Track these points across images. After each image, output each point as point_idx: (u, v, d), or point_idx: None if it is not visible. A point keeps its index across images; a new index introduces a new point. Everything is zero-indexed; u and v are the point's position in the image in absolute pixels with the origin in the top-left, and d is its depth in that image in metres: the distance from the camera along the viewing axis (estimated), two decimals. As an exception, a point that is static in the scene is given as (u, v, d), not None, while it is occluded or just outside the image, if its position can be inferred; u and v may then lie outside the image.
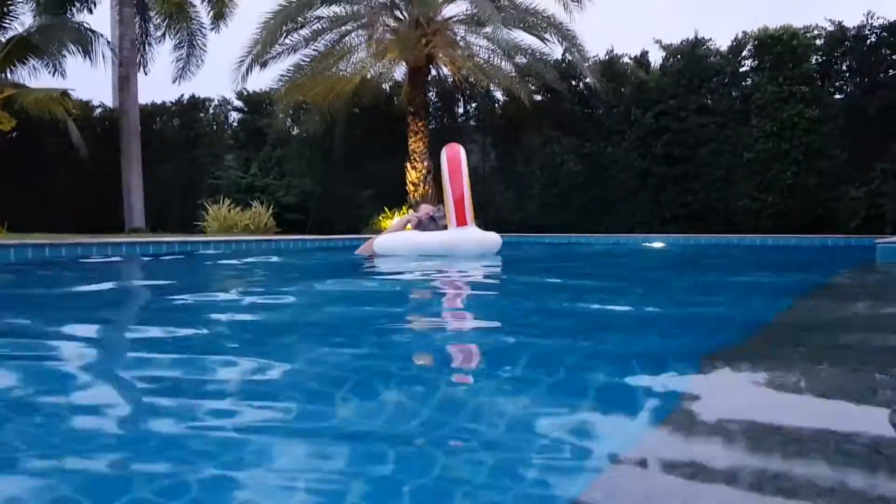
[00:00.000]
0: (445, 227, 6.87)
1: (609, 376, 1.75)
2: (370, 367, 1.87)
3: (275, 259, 7.82)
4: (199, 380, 1.71)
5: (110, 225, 15.15)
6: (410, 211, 11.77)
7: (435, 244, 6.61)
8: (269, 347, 2.16)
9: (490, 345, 2.25)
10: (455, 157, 6.84)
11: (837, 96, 12.04)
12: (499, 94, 14.44)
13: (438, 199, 11.16)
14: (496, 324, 2.76)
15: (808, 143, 11.69)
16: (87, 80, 19.24)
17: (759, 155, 11.94)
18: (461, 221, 6.62)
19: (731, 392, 1.61)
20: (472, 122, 15.36)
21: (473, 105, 15.25)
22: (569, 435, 1.27)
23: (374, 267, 5.94)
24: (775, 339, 2.37)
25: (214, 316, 3.01)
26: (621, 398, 1.52)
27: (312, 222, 14.79)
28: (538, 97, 13.86)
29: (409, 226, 7.28)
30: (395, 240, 6.79)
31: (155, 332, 2.59)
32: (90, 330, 2.60)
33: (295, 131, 16.12)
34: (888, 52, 11.57)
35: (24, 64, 15.77)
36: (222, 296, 3.93)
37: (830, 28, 11.89)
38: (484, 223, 13.10)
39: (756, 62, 12.40)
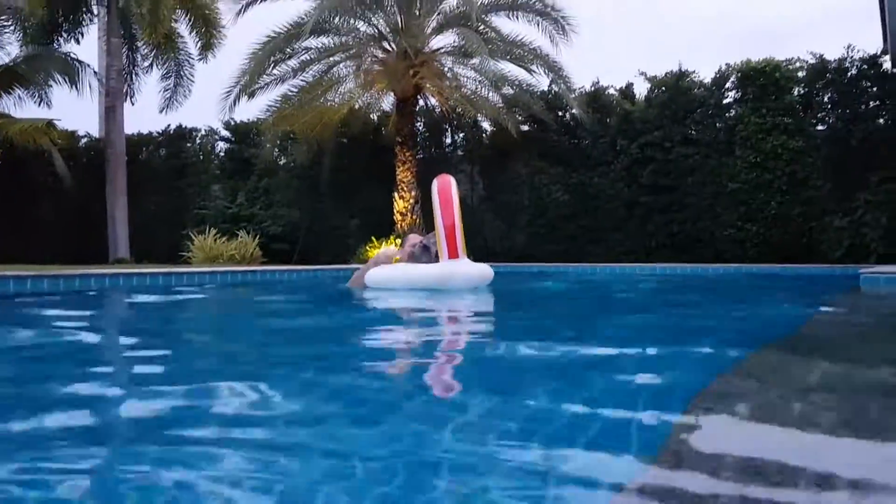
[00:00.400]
0: (422, 252, 6.79)
1: (585, 419, 1.72)
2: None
3: (257, 293, 7.76)
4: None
5: (95, 256, 15.04)
6: (397, 241, 11.77)
7: (427, 278, 6.43)
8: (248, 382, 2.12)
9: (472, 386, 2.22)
10: (445, 188, 6.67)
11: (820, 127, 12.21)
12: (486, 125, 14.55)
13: (427, 228, 11.17)
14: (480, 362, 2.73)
15: (791, 173, 11.84)
16: (74, 110, 19.16)
17: (744, 185, 12.07)
18: (452, 254, 6.45)
19: (714, 431, 1.59)
20: (459, 152, 15.44)
21: (461, 135, 15.35)
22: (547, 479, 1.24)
23: (364, 301, 5.85)
24: (756, 372, 2.36)
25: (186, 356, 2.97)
26: (597, 444, 1.48)
27: (299, 252, 14.74)
28: (525, 127, 13.97)
29: (396, 257, 7.11)
30: (387, 273, 6.60)
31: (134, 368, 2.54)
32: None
33: (282, 161, 16.13)
34: (868, 84, 11.78)
35: (10, 94, 15.77)
36: (194, 336, 3.88)
37: (812, 61, 12.09)
38: (473, 253, 13.24)
39: (739, 94, 12.58)
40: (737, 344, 3.10)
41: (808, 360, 2.65)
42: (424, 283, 6.41)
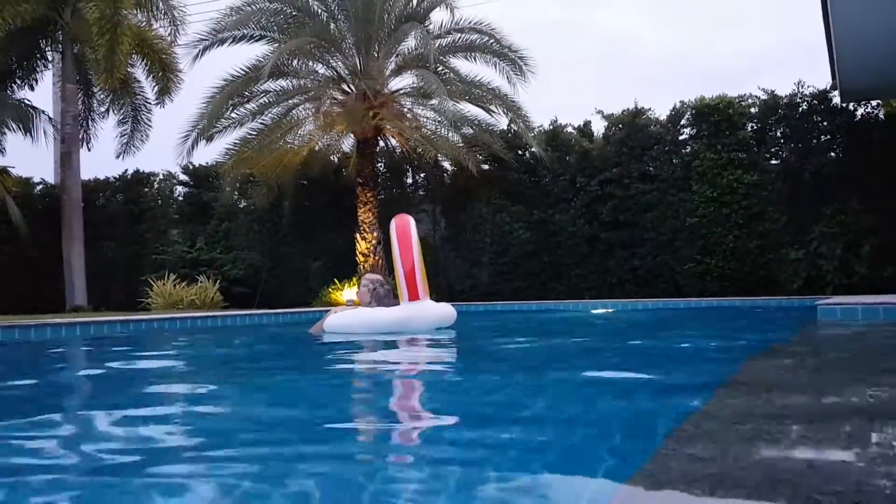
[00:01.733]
0: (384, 295, 6.61)
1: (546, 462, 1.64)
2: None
3: (215, 346, 7.57)
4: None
5: (52, 304, 14.66)
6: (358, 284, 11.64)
7: (388, 321, 6.23)
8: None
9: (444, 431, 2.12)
10: (404, 228, 6.52)
11: (773, 162, 12.44)
12: (447, 164, 14.57)
13: (389, 269, 11.05)
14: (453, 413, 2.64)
15: (747, 207, 12.02)
16: (28, 156, 18.86)
17: (702, 220, 12.22)
18: (413, 295, 6.28)
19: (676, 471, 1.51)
20: (421, 192, 15.42)
21: (422, 175, 15.35)
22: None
23: (324, 346, 5.70)
24: (717, 414, 2.29)
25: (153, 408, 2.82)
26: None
27: (260, 296, 14.52)
28: (486, 166, 14.02)
29: (356, 300, 6.94)
30: (347, 318, 6.34)
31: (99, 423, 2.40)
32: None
33: (242, 204, 15.96)
34: (819, 118, 12.06)
35: (-37, 142, 15.48)
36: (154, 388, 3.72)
37: (764, 97, 12.36)
38: (436, 292, 13.15)
39: (694, 130, 12.80)
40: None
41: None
42: (386, 326, 6.20)
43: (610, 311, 10.80)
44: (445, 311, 6.50)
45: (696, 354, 4.63)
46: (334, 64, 13.41)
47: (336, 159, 15.27)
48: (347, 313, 6.43)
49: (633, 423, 2.20)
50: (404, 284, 6.29)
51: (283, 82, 13.50)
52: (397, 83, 13.70)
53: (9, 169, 14.68)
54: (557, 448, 1.90)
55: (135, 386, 3.64)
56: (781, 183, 12.05)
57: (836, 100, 11.82)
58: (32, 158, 24.71)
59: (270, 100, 13.51)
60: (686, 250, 12.37)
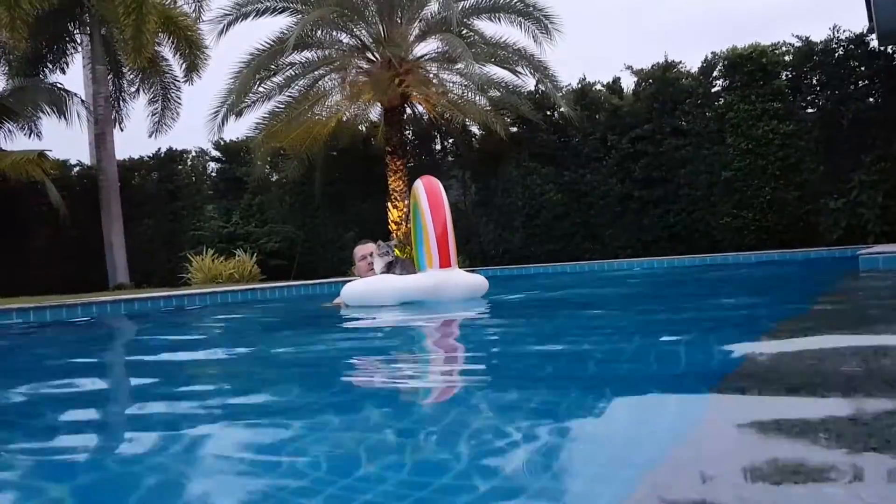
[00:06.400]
0: (391, 264, 5.89)
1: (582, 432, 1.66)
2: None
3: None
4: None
5: (95, 283, 15.02)
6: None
7: (415, 290, 5.57)
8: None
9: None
10: (434, 189, 5.82)
11: (810, 110, 12.14)
12: (475, 129, 14.48)
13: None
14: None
15: (783, 157, 11.78)
16: (64, 139, 19.24)
17: (737, 173, 12.01)
18: (444, 262, 5.55)
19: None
20: (450, 158, 15.39)
21: (450, 141, 15.30)
22: None
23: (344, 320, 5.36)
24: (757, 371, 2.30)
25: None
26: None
27: (297, 267, 14.71)
28: (514, 129, 13.91)
29: (375, 269, 6.02)
30: (369, 287, 5.67)
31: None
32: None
33: (274, 178, 16.11)
34: (856, 64, 11.71)
35: (0, 127, 15.80)
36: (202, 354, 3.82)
37: (798, 44, 12.02)
38: (469, 258, 13.22)
39: (727, 82, 12.52)
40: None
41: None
42: (412, 296, 5.58)
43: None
44: (477, 281, 5.89)
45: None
46: (358, 32, 13.34)
47: (364, 129, 15.29)
48: (372, 280, 5.76)
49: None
50: (436, 249, 5.58)
51: (307, 54, 13.50)
52: (422, 49, 13.63)
53: (46, 152, 14.93)
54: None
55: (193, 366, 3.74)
56: (818, 131, 11.77)
57: (874, 43, 11.44)
58: (68, 141, 25.11)
59: (296, 72, 13.53)
60: (722, 205, 12.20)
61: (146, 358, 3.99)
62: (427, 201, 5.73)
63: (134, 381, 3.11)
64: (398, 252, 7.12)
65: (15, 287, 12.24)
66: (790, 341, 2.84)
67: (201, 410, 2.22)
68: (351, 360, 3.36)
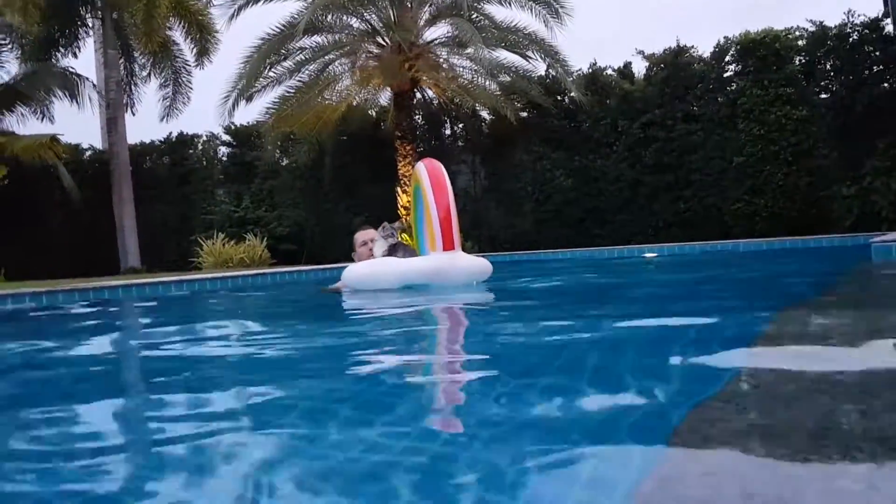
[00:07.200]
0: (394, 247, 5.78)
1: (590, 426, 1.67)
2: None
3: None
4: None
5: (106, 266, 15.13)
6: (404, 237, 11.70)
7: (417, 273, 5.49)
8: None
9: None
10: (436, 171, 5.74)
11: (823, 96, 12.03)
12: (485, 114, 14.44)
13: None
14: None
15: (796, 143, 11.69)
16: (76, 123, 19.29)
17: (749, 159, 11.93)
18: (448, 245, 5.45)
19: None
20: (459, 143, 15.36)
21: (460, 126, 15.26)
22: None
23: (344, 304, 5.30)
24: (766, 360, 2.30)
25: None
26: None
27: (307, 252, 14.76)
28: (524, 114, 13.86)
29: (375, 253, 5.89)
30: (371, 270, 5.57)
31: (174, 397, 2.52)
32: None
33: (284, 162, 16.14)
34: (870, 49, 11.57)
35: (12, 111, 15.90)
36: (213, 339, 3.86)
37: (812, 28, 11.90)
38: (478, 243, 13.22)
39: (740, 67, 12.41)
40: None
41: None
42: (413, 279, 5.50)
43: (654, 255, 10.67)
44: (481, 264, 5.79)
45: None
46: (368, 17, 13.31)
47: (374, 114, 15.28)
48: (374, 262, 5.63)
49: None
50: (439, 232, 5.48)
51: (318, 38, 13.49)
52: (432, 33, 13.59)
53: (58, 136, 15.00)
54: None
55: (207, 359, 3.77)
56: (832, 117, 11.66)
57: (889, 28, 11.31)
58: (80, 125, 25.20)
59: (306, 57, 13.53)
60: (733, 191, 12.13)
61: (153, 342, 4.02)
62: (430, 183, 5.63)
63: (139, 371, 3.14)
64: (405, 237, 7.08)
65: (27, 270, 12.37)
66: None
67: (209, 396, 2.25)
68: (352, 346, 3.38)
